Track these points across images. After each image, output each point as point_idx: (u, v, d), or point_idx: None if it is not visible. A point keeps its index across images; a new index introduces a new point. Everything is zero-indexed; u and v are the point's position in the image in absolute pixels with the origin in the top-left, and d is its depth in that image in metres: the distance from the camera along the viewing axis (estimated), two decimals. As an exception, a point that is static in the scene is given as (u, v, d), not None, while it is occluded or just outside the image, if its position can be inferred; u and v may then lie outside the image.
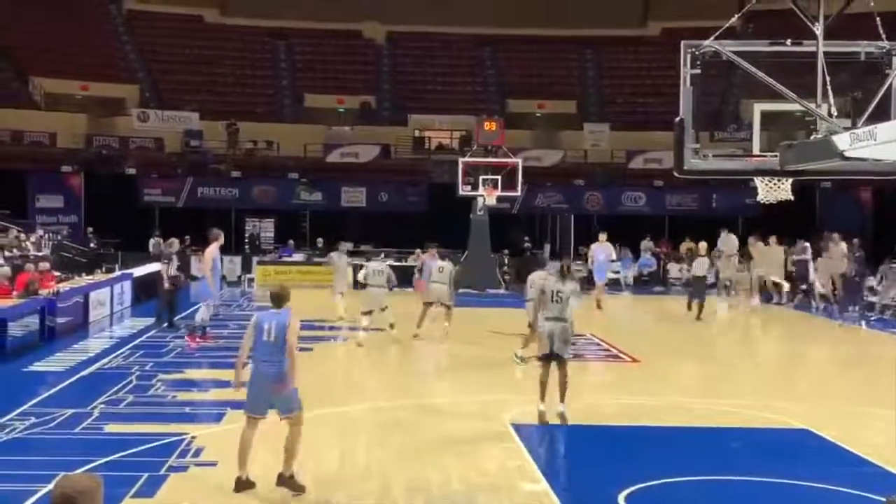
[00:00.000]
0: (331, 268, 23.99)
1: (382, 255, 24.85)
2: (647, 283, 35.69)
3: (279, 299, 9.27)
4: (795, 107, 8.43)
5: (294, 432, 9.17)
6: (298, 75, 48.26)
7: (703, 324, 24.06)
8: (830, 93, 8.22)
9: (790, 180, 8.93)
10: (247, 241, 38.93)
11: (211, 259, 18.28)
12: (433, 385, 15.49)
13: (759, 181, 9.01)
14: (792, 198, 8.95)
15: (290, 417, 9.16)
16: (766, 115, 9.00)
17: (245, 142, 43.13)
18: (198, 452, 10.58)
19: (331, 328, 21.78)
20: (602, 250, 26.75)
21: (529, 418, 12.54)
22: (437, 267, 20.38)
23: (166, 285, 21.09)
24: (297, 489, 9.01)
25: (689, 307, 24.98)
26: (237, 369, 9.63)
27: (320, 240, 36.88)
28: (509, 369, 16.92)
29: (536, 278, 16.05)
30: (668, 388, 15.69)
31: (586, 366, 17.66)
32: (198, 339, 18.71)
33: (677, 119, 8.49)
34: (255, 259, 35.57)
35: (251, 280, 34.05)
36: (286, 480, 9.08)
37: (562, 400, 12.10)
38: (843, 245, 27.90)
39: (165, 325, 20.95)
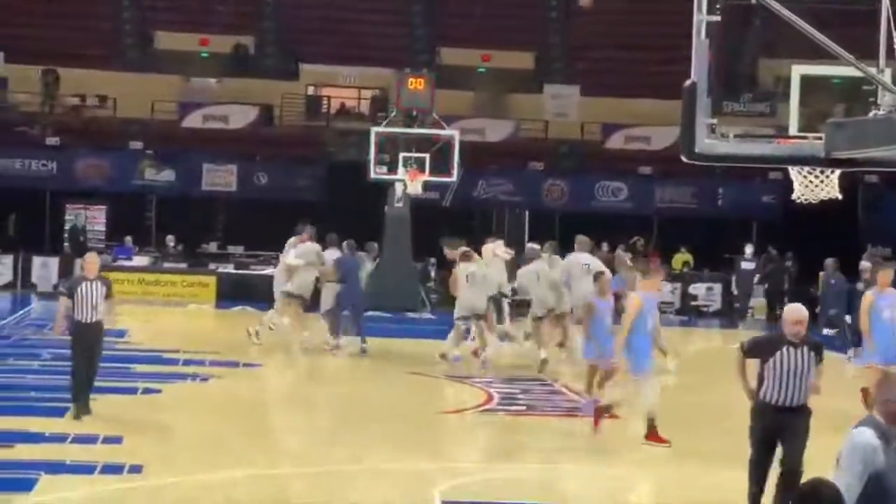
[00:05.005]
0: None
1: None
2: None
3: None
4: (847, 71, 8.54)
5: None
6: (146, 5, 47.77)
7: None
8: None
9: (837, 172, 9.05)
10: (66, 236, 38.41)
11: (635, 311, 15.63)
12: (333, 447, 15.42)
13: (795, 173, 9.11)
14: (840, 196, 9.08)
15: None
16: (802, 83, 9.11)
17: (68, 96, 42.57)
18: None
19: (186, 363, 21.62)
20: None
21: (465, 494, 12.65)
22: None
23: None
24: None
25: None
26: None
27: (171, 237, 36.56)
28: (436, 426, 16.92)
29: None
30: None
31: (546, 421, 17.79)
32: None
33: (688, 83, 8.55)
34: (78, 262, 35.03)
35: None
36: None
37: None
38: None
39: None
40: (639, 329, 15.19)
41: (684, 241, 38.89)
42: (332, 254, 24.21)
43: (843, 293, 28.79)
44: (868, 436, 6.56)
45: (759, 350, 11.23)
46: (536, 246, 23.89)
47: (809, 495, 5.71)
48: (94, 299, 15.88)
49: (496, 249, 23.75)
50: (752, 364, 11.23)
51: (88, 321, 15.90)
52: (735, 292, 35.62)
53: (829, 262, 29.77)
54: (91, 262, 16.44)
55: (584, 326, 18.13)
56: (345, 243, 24.31)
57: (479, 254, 23.26)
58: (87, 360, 16.02)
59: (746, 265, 35.02)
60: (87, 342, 15.97)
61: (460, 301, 22.18)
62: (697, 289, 36.87)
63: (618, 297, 23.46)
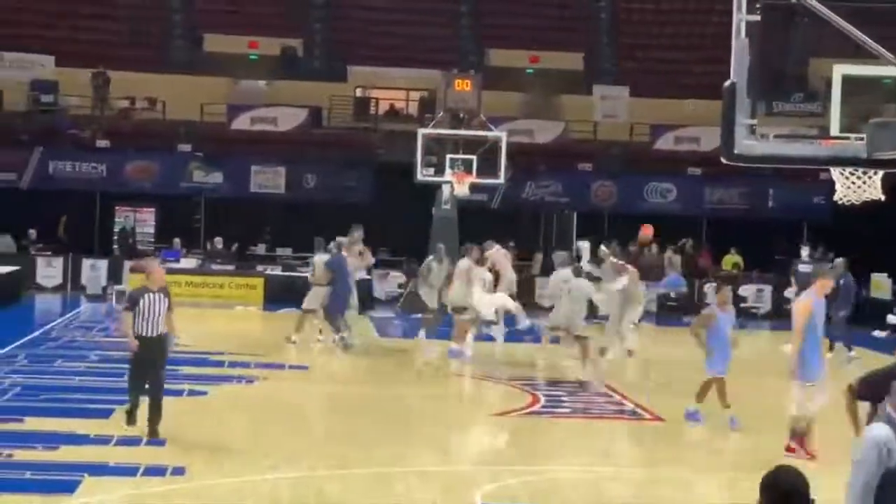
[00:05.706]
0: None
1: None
2: (674, 311, 35.68)
3: None
4: (891, 71, 8.45)
5: None
6: (196, 8, 48.03)
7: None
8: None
9: (880, 174, 8.95)
10: (116, 238, 38.69)
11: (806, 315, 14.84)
12: (377, 449, 15.44)
13: (836, 173, 9.01)
14: (883, 197, 8.97)
15: None
16: (846, 83, 9.01)
17: (118, 98, 42.83)
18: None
19: (231, 365, 21.71)
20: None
21: (507, 497, 12.72)
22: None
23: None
24: None
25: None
26: None
27: (219, 239, 36.72)
28: (480, 428, 16.90)
29: None
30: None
31: (592, 424, 17.75)
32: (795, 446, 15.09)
33: (727, 84, 8.48)
34: (127, 264, 35.31)
35: (122, 293, 33.73)
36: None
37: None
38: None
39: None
40: (808, 335, 14.72)
41: (734, 242, 38.71)
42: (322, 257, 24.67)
43: (852, 294, 28.56)
44: (880, 430, 6.73)
45: (874, 390, 8.75)
46: (563, 253, 24.19)
47: (771, 485, 5.58)
48: (159, 312, 14.90)
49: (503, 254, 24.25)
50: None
51: (151, 335, 14.88)
52: (793, 296, 35.35)
53: (840, 261, 29.52)
54: (158, 273, 15.49)
55: (701, 337, 17.24)
56: (332, 244, 24.48)
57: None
58: (152, 375, 14.96)
59: (804, 267, 34.72)
60: (148, 356, 14.91)
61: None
62: (747, 290, 36.66)
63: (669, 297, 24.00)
